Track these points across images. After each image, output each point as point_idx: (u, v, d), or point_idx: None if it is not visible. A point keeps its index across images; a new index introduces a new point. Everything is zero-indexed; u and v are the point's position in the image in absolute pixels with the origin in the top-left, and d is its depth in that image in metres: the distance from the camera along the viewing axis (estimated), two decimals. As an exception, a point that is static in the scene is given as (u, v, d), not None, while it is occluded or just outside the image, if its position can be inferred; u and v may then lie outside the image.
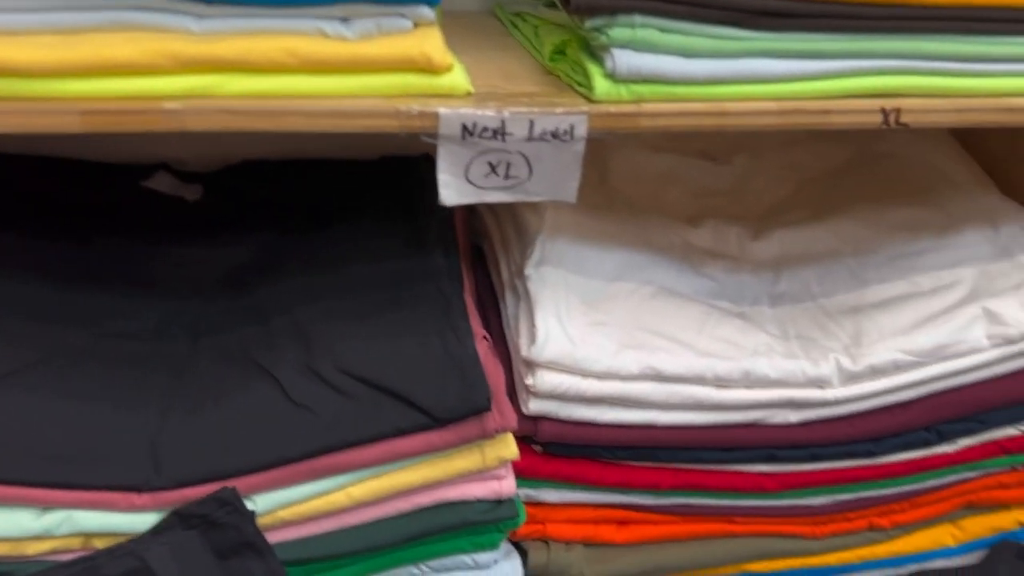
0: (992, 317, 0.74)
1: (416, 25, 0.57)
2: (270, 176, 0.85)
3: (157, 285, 0.75)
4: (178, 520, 0.62)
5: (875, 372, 0.73)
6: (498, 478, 0.69)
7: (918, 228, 0.83)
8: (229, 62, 0.52)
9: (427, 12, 0.56)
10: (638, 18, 0.56)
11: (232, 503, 0.63)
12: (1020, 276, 0.77)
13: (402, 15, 0.56)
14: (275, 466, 0.63)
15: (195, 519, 0.62)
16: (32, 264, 0.72)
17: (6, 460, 0.59)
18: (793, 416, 0.74)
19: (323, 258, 0.74)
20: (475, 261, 0.85)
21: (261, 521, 0.64)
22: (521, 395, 0.70)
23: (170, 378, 0.67)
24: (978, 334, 0.74)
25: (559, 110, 0.57)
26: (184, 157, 0.86)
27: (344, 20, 0.55)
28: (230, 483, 0.62)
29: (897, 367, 0.73)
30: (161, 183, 0.83)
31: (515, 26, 0.77)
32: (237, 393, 0.65)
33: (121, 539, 0.61)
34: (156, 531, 0.62)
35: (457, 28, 0.78)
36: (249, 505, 0.63)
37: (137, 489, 0.61)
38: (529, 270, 0.72)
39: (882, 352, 0.73)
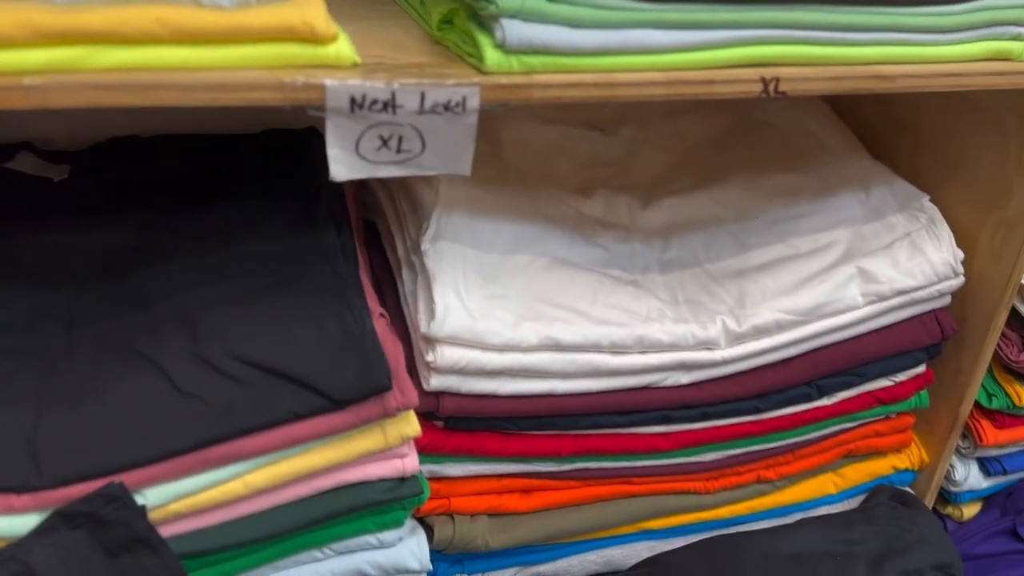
0: (866, 276, 0.79)
1: (296, -7, 0.54)
2: (143, 154, 0.80)
3: (25, 273, 0.70)
4: (62, 520, 0.59)
5: (759, 332, 0.76)
6: (401, 456, 0.69)
7: (796, 193, 0.87)
8: (96, 33, 0.49)
9: (308, -21, 0.54)
10: (526, -13, 0.56)
11: (120, 498, 0.60)
12: (890, 236, 0.82)
13: (282, -18, 0.53)
14: (165, 458, 0.61)
15: (81, 517, 0.59)
16: None
17: None
18: (684, 378, 0.77)
19: (206, 239, 0.71)
20: (368, 237, 0.83)
21: (153, 515, 0.62)
22: (422, 371, 0.70)
23: (44, 371, 0.63)
24: (853, 292, 0.78)
25: (450, 82, 0.56)
26: (49, 135, 0.80)
27: (219, -11, 0.52)
28: (117, 478, 0.59)
29: (779, 327, 0.76)
30: (25, 163, 0.77)
31: (396, -6, 0.75)
32: (119, 384, 0.62)
33: (1, 543, 0.58)
34: (39, 532, 0.58)
35: (335, -5, 0.76)
36: (139, 500, 0.61)
37: (15, 490, 0.57)
38: (426, 245, 0.71)
39: (765, 313, 0.76)
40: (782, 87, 0.63)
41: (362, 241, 0.78)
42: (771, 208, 0.86)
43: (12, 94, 0.47)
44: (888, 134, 0.93)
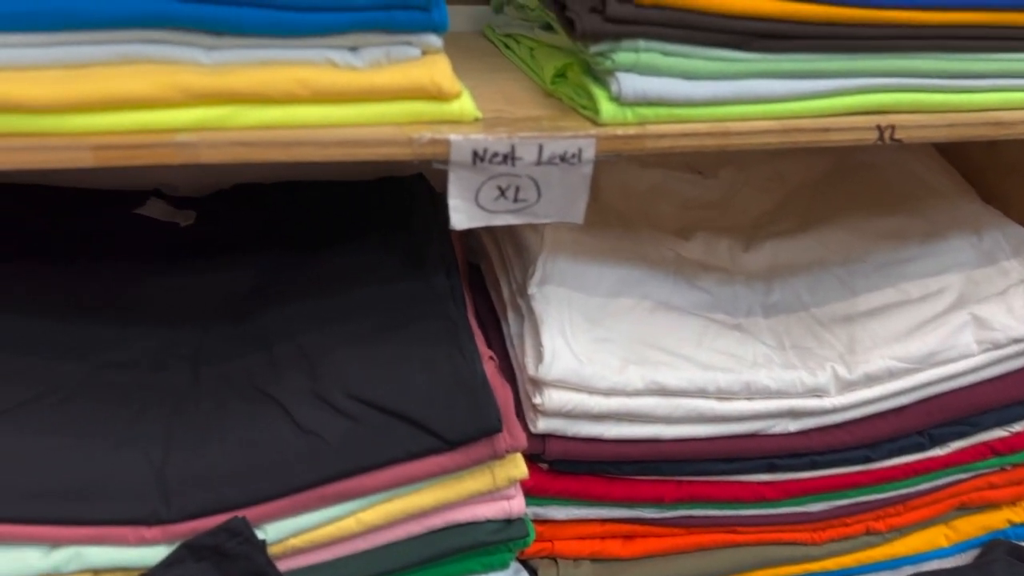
0: (980, 322, 0.77)
1: (424, 53, 0.57)
2: (264, 200, 0.85)
3: (154, 313, 0.74)
4: (188, 552, 0.61)
5: (870, 380, 0.75)
6: (508, 498, 0.69)
7: (903, 236, 0.85)
8: (241, 93, 0.52)
9: (435, 40, 0.57)
10: (642, 43, 0.57)
11: (242, 533, 0.62)
12: (1004, 281, 0.80)
13: (410, 43, 0.56)
14: (285, 494, 0.63)
15: (206, 551, 0.61)
16: (25, 296, 0.71)
17: (11, 498, 0.58)
18: (792, 425, 0.76)
19: (323, 281, 0.74)
20: (472, 280, 0.85)
21: (272, 550, 0.64)
22: (528, 414, 0.71)
23: (172, 409, 0.66)
24: (967, 340, 0.76)
25: (567, 134, 0.58)
26: (175, 183, 0.86)
27: (353, 49, 0.55)
28: (240, 513, 0.62)
29: (891, 374, 0.75)
30: (154, 210, 0.82)
31: (508, 47, 0.78)
32: (243, 422, 0.64)
33: (132, 574, 0.60)
34: (167, 564, 0.61)
35: (454, 50, 0.79)
36: (260, 534, 0.63)
37: (146, 522, 0.60)
38: (532, 289, 0.72)
39: (876, 360, 0.75)
40: (898, 135, 0.63)
41: (467, 284, 0.80)
42: (878, 251, 0.84)
43: (165, 150, 0.51)
44: (997, 176, 0.91)
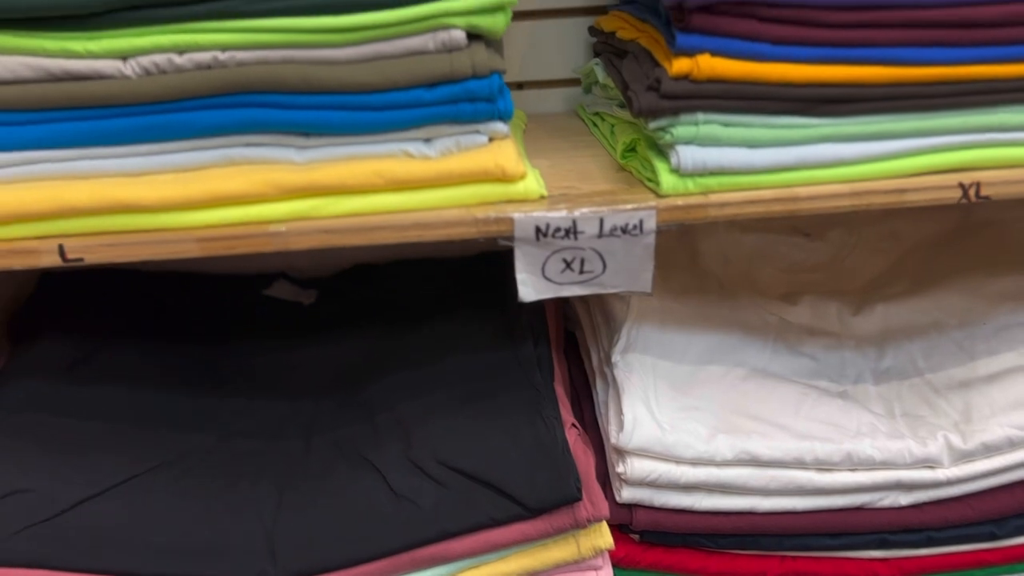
0: (1116, 388, 0.70)
1: (491, 139, 0.61)
2: (377, 278, 0.92)
3: (275, 386, 0.81)
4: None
5: (988, 449, 0.69)
6: (595, 568, 0.70)
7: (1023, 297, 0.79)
8: (326, 187, 0.59)
9: (501, 127, 0.61)
10: (700, 116, 0.59)
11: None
12: None
13: (478, 131, 0.61)
14: (381, 557, 0.66)
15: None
16: (164, 373, 0.80)
17: (130, 554, 0.64)
18: (903, 498, 0.71)
19: (423, 352, 0.79)
20: (569, 348, 0.87)
21: (368, 610, 0.67)
22: (614, 483, 0.71)
23: (286, 474, 0.72)
24: (1101, 407, 0.70)
25: (627, 207, 0.60)
26: (301, 265, 0.94)
27: (427, 140, 0.60)
28: (339, 574, 0.66)
29: (1012, 444, 0.69)
30: (281, 290, 0.91)
31: (595, 124, 0.81)
32: (346, 487, 0.69)
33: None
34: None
35: (544, 130, 0.84)
36: (356, 595, 0.67)
37: (252, 580, 0.65)
38: (616, 357, 0.73)
39: (995, 428, 0.70)
40: (984, 192, 0.60)
41: (561, 352, 0.82)
42: (998, 314, 0.79)
43: (260, 240, 0.58)
44: None
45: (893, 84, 0.59)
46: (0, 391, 0.74)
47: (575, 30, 0.89)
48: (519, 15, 0.88)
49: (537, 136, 0.81)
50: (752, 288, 0.87)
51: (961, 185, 0.60)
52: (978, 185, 0.60)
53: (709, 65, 0.57)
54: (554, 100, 0.92)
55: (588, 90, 0.87)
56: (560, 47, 0.90)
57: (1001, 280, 0.82)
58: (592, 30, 0.83)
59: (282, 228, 0.58)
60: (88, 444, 0.70)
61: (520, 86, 0.92)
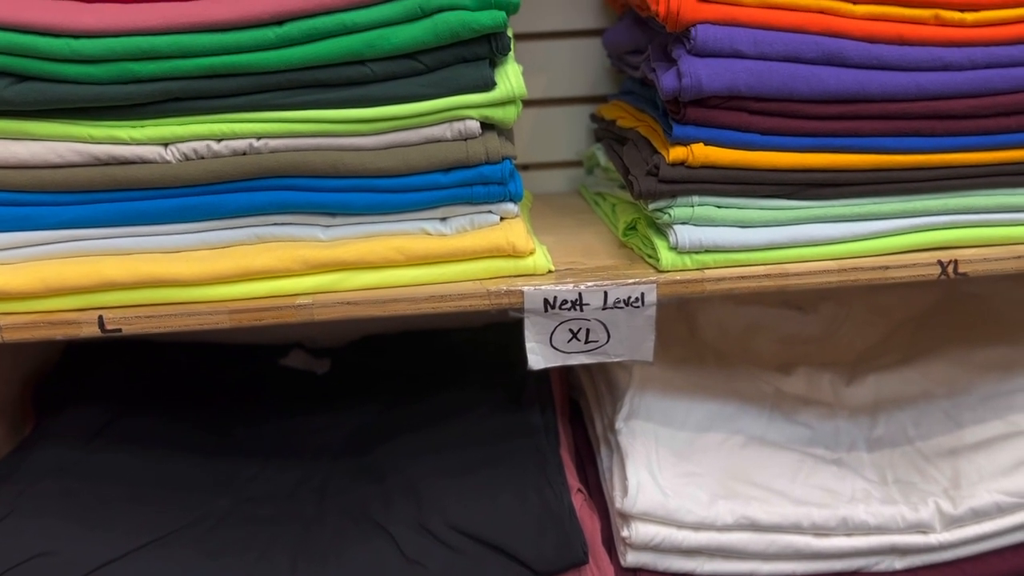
0: (1099, 456, 0.73)
1: (502, 218, 0.66)
2: (389, 348, 0.95)
3: (290, 452, 0.84)
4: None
5: (977, 515, 0.72)
6: (601, 630, 0.71)
7: (1010, 367, 0.83)
8: (349, 263, 0.63)
9: (512, 207, 0.66)
10: (696, 198, 0.64)
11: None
12: (1124, 412, 0.76)
13: (491, 212, 0.65)
14: (392, 619, 0.68)
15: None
16: (182, 440, 0.83)
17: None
18: (898, 563, 0.74)
19: (433, 419, 0.82)
20: (573, 415, 0.90)
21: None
22: (619, 547, 0.74)
23: (300, 537, 0.74)
24: (1085, 473, 0.73)
25: (630, 281, 0.64)
26: (316, 335, 0.98)
27: (443, 219, 0.65)
28: (351, 636, 0.68)
29: (1000, 509, 0.72)
30: (296, 360, 0.94)
31: (597, 204, 0.86)
32: (357, 549, 0.71)
33: None
34: None
35: (549, 208, 0.89)
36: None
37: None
38: (619, 424, 0.77)
39: (983, 494, 0.73)
40: (962, 269, 0.64)
41: (566, 419, 0.85)
42: (984, 383, 0.83)
43: (286, 312, 0.62)
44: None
45: (875, 170, 0.64)
46: (27, 458, 0.77)
47: (577, 117, 0.95)
48: (526, 103, 0.94)
49: (543, 214, 0.86)
50: (748, 359, 0.91)
51: (940, 263, 0.64)
52: (956, 263, 0.64)
53: (703, 153, 0.62)
54: (558, 180, 0.97)
55: (590, 172, 0.92)
56: (564, 132, 0.96)
57: (985, 351, 0.86)
58: (594, 117, 0.89)
59: (308, 301, 0.62)
60: (109, 509, 0.73)
61: (527, 167, 0.98)
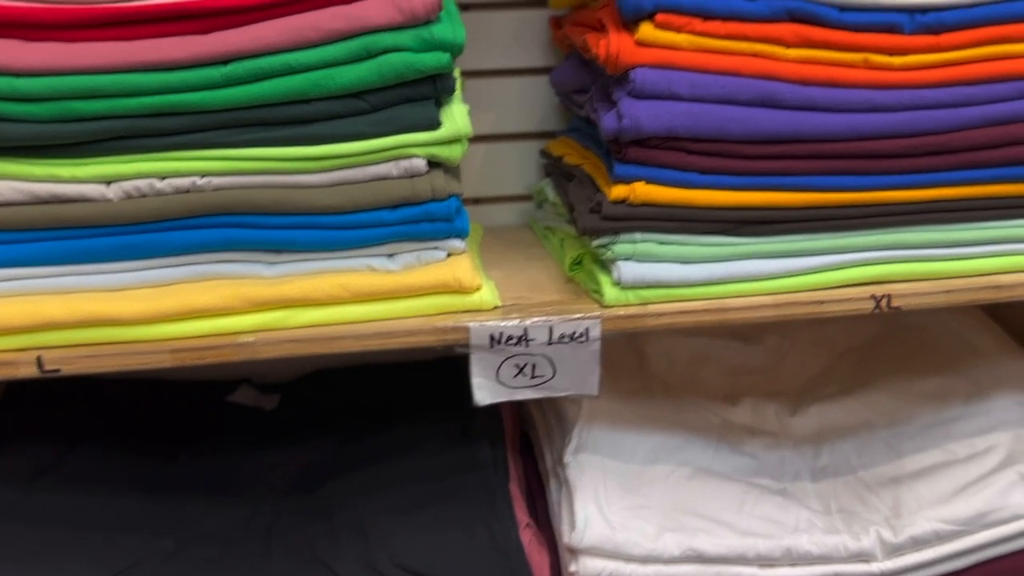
0: (1031, 481, 0.75)
1: (449, 254, 0.66)
2: (339, 383, 0.95)
3: (237, 490, 0.83)
4: None
5: (917, 543, 0.74)
6: (550, 666, 0.71)
7: (948, 396, 0.85)
8: (293, 299, 0.63)
9: (458, 244, 0.66)
10: (638, 235, 0.65)
11: None
12: (1055, 439, 0.79)
13: (437, 248, 0.66)
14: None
15: None
16: (127, 479, 0.81)
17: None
18: (842, 592, 0.75)
19: (382, 455, 0.82)
20: (525, 448, 0.90)
21: None
22: (568, 581, 0.74)
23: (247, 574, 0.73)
24: (1019, 499, 0.75)
25: (575, 316, 0.65)
26: (265, 370, 0.97)
27: (390, 256, 0.66)
28: None
29: (939, 537, 0.74)
30: (244, 396, 0.93)
31: (546, 238, 0.87)
32: (304, 590, 0.71)
33: None
34: None
35: (499, 242, 0.89)
36: None
37: None
38: (568, 458, 0.77)
39: (922, 522, 0.74)
40: (895, 303, 0.67)
41: (517, 453, 0.86)
42: (923, 413, 0.85)
43: (229, 350, 0.61)
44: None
45: (809, 207, 0.66)
46: (-36, 500, 0.75)
47: (528, 152, 0.96)
48: (478, 138, 0.96)
49: (493, 248, 0.87)
50: (695, 390, 0.92)
51: (874, 297, 0.66)
52: (889, 297, 0.66)
53: (644, 191, 0.64)
54: (509, 214, 0.98)
55: (540, 206, 0.93)
56: (514, 166, 0.97)
57: (924, 381, 0.88)
58: (543, 153, 0.91)
59: (251, 339, 0.62)
60: (51, 553, 0.71)
61: (477, 201, 0.99)
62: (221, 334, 0.62)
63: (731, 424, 0.89)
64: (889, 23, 0.63)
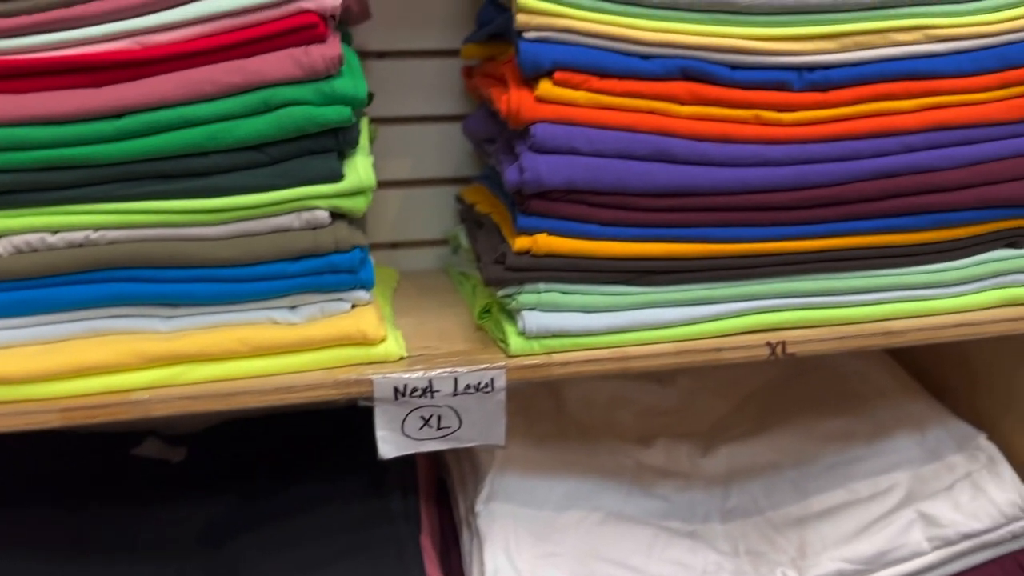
0: (928, 520, 0.78)
1: (354, 305, 0.66)
2: (248, 433, 0.93)
3: (142, 547, 0.80)
4: None
5: (821, 583, 0.75)
6: None
7: (850, 437, 0.88)
8: (189, 355, 0.62)
9: (363, 295, 0.66)
10: (542, 285, 0.66)
11: None
12: (950, 477, 0.81)
13: (342, 299, 0.65)
14: None
15: None
16: (27, 537, 0.78)
17: None
18: (749, 634, 0.76)
19: (291, 510, 0.80)
20: (442, 496, 0.90)
21: None
22: (478, 632, 0.73)
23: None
24: (917, 538, 0.77)
25: (480, 366, 0.65)
26: (173, 421, 0.95)
27: (292, 308, 0.65)
28: None
29: (842, 576, 0.75)
30: (150, 449, 0.90)
31: (460, 283, 0.87)
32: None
33: None
34: None
35: (414, 288, 0.89)
36: None
37: None
38: (479, 507, 0.77)
39: (826, 563, 0.76)
40: (790, 349, 0.68)
41: (432, 502, 0.85)
42: (827, 452, 0.87)
43: (121, 408, 0.60)
44: (942, 371, 0.94)
45: (706, 258, 0.67)
46: None
47: (444, 197, 0.97)
48: (394, 183, 0.96)
49: (407, 294, 0.87)
50: (611, 432, 0.93)
51: (769, 344, 0.68)
52: (784, 344, 0.68)
53: (547, 243, 0.65)
54: (426, 259, 0.99)
55: (455, 251, 0.94)
56: (431, 211, 0.97)
57: (828, 421, 0.90)
58: (458, 199, 0.91)
59: (144, 396, 0.60)
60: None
61: (395, 245, 0.99)
62: (113, 391, 0.60)
63: (644, 466, 0.90)
64: (779, 81, 0.65)
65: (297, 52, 0.59)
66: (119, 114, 0.58)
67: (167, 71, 0.59)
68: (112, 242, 0.60)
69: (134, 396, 0.60)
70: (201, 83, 0.58)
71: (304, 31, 0.59)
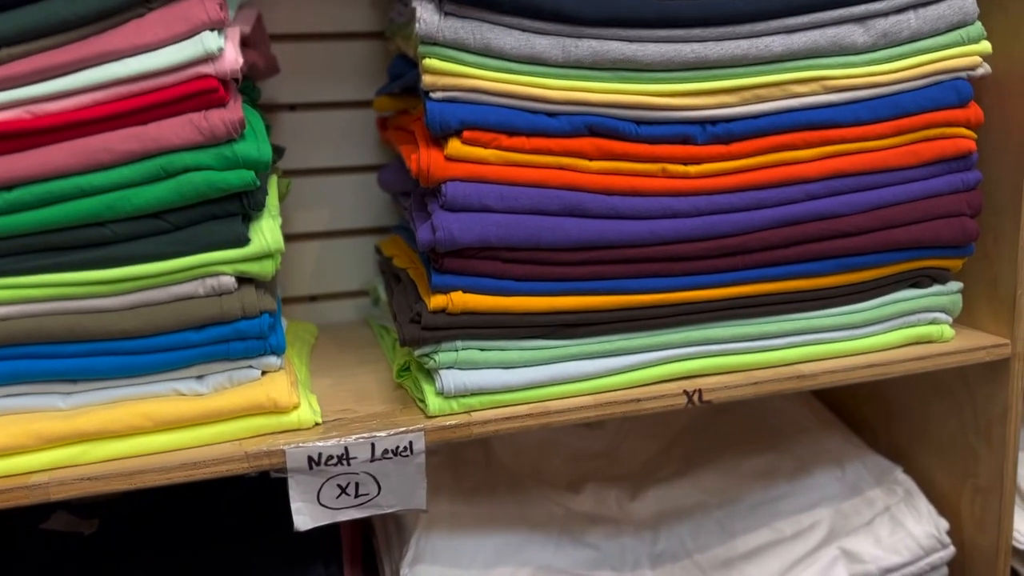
0: (850, 556, 0.79)
1: (264, 372, 0.64)
2: (164, 501, 0.89)
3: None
4: None
5: (749, 627, 0.76)
6: None
7: (773, 474, 0.89)
8: (90, 433, 0.59)
9: (274, 361, 0.64)
10: (459, 343, 0.65)
11: None
12: (870, 511, 0.83)
13: (251, 366, 0.64)
14: None
15: None
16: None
17: None
18: None
19: (210, 581, 0.77)
20: (368, 560, 0.87)
21: None
22: None
23: None
24: (841, 575, 0.78)
25: (398, 430, 0.64)
26: (83, 491, 0.90)
27: (199, 377, 0.63)
28: None
29: (768, 619, 0.76)
30: (59, 523, 0.86)
31: (381, 336, 0.86)
32: None
33: None
34: None
35: (334, 343, 0.88)
36: None
37: None
38: (404, 570, 0.75)
39: (753, 605, 0.76)
40: (706, 397, 0.69)
41: (358, 567, 0.83)
42: (751, 491, 0.88)
43: (17, 493, 0.57)
44: (858, 405, 0.97)
45: (620, 309, 0.68)
46: None
47: (363, 247, 0.96)
48: (312, 235, 0.95)
49: (326, 350, 0.85)
50: (541, 479, 0.92)
51: (686, 392, 0.69)
52: (700, 392, 0.69)
53: (462, 300, 0.64)
54: (347, 310, 0.97)
55: (375, 303, 0.92)
56: (351, 262, 0.96)
57: (753, 459, 0.91)
58: (377, 249, 0.90)
59: (44, 479, 0.57)
60: None
61: (314, 298, 0.97)
62: (10, 475, 0.57)
63: (574, 513, 0.89)
64: (683, 135, 0.66)
65: (196, 117, 0.58)
66: (10, 186, 0.56)
67: (61, 140, 0.57)
68: (5, 319, 0.58)
69: (32, 479, 0.57)
70: (97, 151, 0.57)
71: (203, 95, 0.58)
